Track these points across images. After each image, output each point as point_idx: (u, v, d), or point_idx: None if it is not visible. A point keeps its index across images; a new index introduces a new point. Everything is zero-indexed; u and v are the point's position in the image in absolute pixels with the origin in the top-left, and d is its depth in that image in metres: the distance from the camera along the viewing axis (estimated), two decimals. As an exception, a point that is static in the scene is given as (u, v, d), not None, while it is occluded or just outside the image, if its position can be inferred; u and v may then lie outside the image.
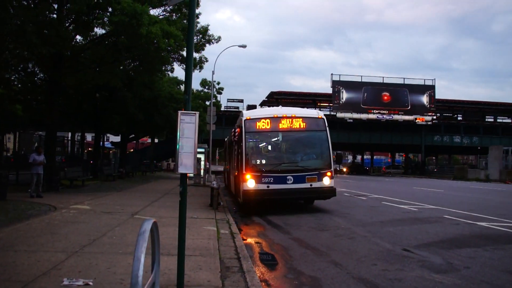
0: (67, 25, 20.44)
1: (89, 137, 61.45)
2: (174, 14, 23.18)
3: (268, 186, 14.47)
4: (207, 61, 27.80)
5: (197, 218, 12.52)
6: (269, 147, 16.15)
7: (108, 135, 63.53)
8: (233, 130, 17.57)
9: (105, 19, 19.87)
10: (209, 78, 36.31)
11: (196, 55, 26.33)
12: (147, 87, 33.09)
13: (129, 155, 56.38)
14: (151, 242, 3.90)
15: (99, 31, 23.13)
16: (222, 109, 61.89)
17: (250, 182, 14.43)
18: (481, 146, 67.34)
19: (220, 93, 54.24)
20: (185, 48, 22.99)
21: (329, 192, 15.22)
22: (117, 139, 60.29)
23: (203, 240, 9.27)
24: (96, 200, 16.24)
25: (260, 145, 15.93)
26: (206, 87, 48.31)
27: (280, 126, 15.40)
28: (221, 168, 76.34)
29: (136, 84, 30.60)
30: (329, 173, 15.08)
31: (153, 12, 22.00)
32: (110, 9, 19.49)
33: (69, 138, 48.52)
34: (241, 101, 69.70)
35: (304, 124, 15.55)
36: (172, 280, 5.81)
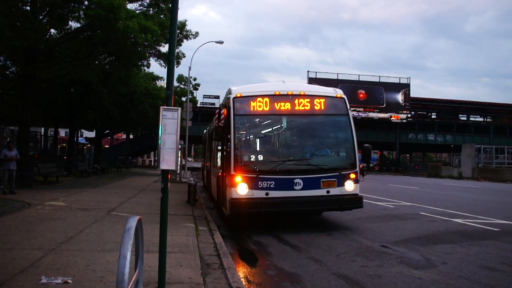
0: (41, 18, 20.01)
1: (62, 132, 60.45)
2: (151, 8, 22.92)
3: (267, 194, 10.31)
4: (184, 56, 27.60)
5: (174, 214, 12.41)
6: (268, 138, 12.12)
7: (83, 130, 62.59)
8: (216, 113, 11.93)
9: (81, 12, 19.54)
10: (185, 74, 36.15)
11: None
12: (123, 83, 32.76)
13: (104, 151, 55.62)
14: (135, 239, 3.83)
15: (74, 24, 22.76)
16: (198, 105, 61.62)
17: (241, 188, 10.28)
18: (454, 144, 68.57)
19: (197, 89, 54.03)
20: (162, 44, 22.93)
21: (353, 202, 11.03)
22: (91, 134, 59.48)
23: (182, 237, 9.19)
24: (71, 197, 15.96)
25: (255, 134, 11.90)
26: (183, 83, 48.03)
27: (284, 107, 11.17)
28: (196, 164, 76.12)
29: (112, 79, 30.23)
30: (352, 175, 10.90)
31: (130, 6, 21.77)
32: (86, 3, 19.20)
33: (42, 134, 47.61)
34: (217, 97, 69.32)
35: (318, 105, 11.33)
36: (152, 277, 5.74)
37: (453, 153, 71.42)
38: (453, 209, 15.32)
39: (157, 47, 23.54)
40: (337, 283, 6.54)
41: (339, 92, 11.70)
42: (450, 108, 77.27)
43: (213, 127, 16.51)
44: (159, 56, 25.13)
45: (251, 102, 11.05)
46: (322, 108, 11.36)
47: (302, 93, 11.30)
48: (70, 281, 5.62)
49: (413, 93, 72.83)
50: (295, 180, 10.49)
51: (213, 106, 64.33)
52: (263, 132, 12.03)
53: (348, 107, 11.51)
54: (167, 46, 24.24)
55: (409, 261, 7.87)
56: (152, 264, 6.20)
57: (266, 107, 11.07)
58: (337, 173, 10.81)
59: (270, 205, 10.40)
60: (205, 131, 26.51)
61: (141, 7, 23.05)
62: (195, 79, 50.37)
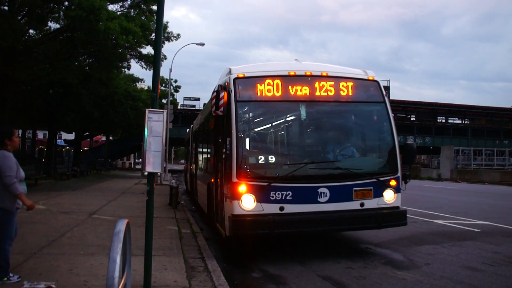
0: (19, 18, 19.74)
1: (40, 134, 59.68)
2: (132, 10, 22.79)
3: (282, 208, 7.72)
4: (166, 58, 27.58)
5: (157, 217, 12.30)
6: (282, 132, 9.27)
7: (62, 132, 61.85)
8: (213, 98, 8.33)
9: (61, 13, 19.33)
10: (166, 76, 35.91)
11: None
12: (104, 84, 32.48)
13: (84, 153, 55.04)
14: (123, 243, 3.79)
15: (54, 25, 22.50)
16: (179, 107, 61.33)
17: (246, 200, 7.63)
18: (433, 146, 69.39)
19: (178, 91, 53.79)
20: (143, 45, 22.80)
21: (395, 218, 8.62)
22: (70, 136, 58.83)
23: (165, 239, 9.14)
24: (51, 200, 15.73)
25: (264, 128, 9.09)
26: (163, 85, 47.76)
27: (301, 92, 8.45)
28: (177, 167, 75.52)
29: (92, 80, 29.94)
30: (393, 182, 8.51)
31: (111, 7, 21.63)
32: (66, 3, 19.00)
33: (20, 136, 46.91)
34: (198, 99, 68.92)
35: (345, 89, 8.68)
36: (137, 280, 5.68)
37: (432, 155, 72.38)
38: (433, 210, 15.50)
39: (138, 49, 23.41)
40: (322, 285, 6.57)
41: (370, 74, 9.07)
42: (429, 111, 78.19)
43: (203, 121, 13.94)
44: (140, 57, 25.01)
45: (258, 85, 8.32)
46: (351, 93, 8.75)
47: (324, 73, 8.65)
48: (53, 285, 5.54)
49: (392, 96, 73.72)
50: (320, 190, 7.93)
51: (194, 108, 64.04)
52: (274, 124, 9.16)
53: (384, 92, 8.99)
54: (148, 47, 24.18)
55: (393, 262, 7.95)
56: (136, 267, 6.15)
57: (278, 92, 8.35)
58: (374, 180, 8.31)
59: (286, 224, 7.76)
60: (188, 130, 23.54)
61: (122, 9, 22.92)
62: (175, 81, 50.13)
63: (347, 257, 8.33)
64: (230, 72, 8.52)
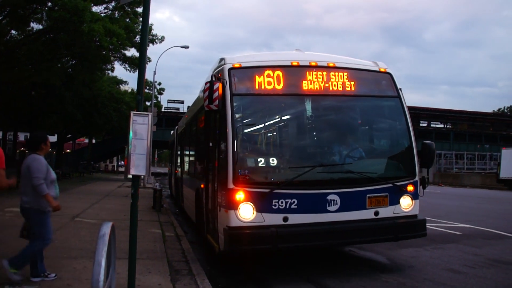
0: (1, 18, 19.51)
1: (22, 136, 58.92)
2: (117, 12, 22.67)
3: (285, 219, 6.74)
4: (150, 61, 27.49)
5: (141, 220, 12.21)
6: (285, 131, 8.11)
7: (44, 134, 61.18)
8: (206, 90, 7.08)
9: (44, 14, 19.15)
10: (150, 78, 35.77)
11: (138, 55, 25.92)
12: (87, 86, 32.24)
13: (66, 156, 54.46)
14: (108, 246, 3.77)
15: (36, 26, 22.27)
16: (163, 110, 61.06)
17: (244, 210, 6.63)
18: (416, 150, 70.04)
19: (161, 94, 53.73)
20: (127, 47, 22.69)
21: (413, 228, 7.62)
22: (53, 139, 58.06)
23: (149, 243, 9.10)
24: (33, 203, 15.50)
25: (264, 126, 7.86)
26: (147, 87, 47.57)
27: (306, 85, 7.47)
28: (160, 170, 75.12)
29: (75, 82, 29.71)
30: (410, 187, 7.55)
31: (95, 9, 21.49)
32: (49, 4, 18.80)
33: (1, 137, 46.29)
34: (182, 102, 68.58)
35: (355, 82, 7.71)
36: (121, 284, 5.64)
37: (414, 158, 72.85)
38: (416, 214, 15.62)
39: (123, 51, 23.28)
40: (306, 287, 6.60)
41: (382, 65, 8.14)
42: (412, 115, 78.32)
43: (186, 124, 13.19)
44: (124, 60, 24.88)
45: (256, 76, 7.29)
46: (362, 87, 7.90)
47: (331, 64, 7.69)
48: (36, 289, 5.48)
49: (376, 100, 74.06)
50: (329, 197, 6.96)
51: (178, 111, 63.77)
52: (275, 122, 8.06)
53: (398, 86, 8.08)
54: (132, 50, 24.08)
55: (377, 265, 8.03)
56: (120, 270, 6.10)
57: (279, 85, 7.32)
58: (390, 185, 7.34)
59: (292, 238, 6.75)
60: (172, 132, 22.34)
61: (106, 10, 22.82)
62: (159, 84, 49.99)
63: (330, 260, 8.38)
64: (224, 62, 7.44)
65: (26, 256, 5.91)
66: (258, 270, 7.60)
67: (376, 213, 7.20)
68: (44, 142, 6.52)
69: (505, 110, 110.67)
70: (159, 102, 54.70)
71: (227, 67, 7.25)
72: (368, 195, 7.17)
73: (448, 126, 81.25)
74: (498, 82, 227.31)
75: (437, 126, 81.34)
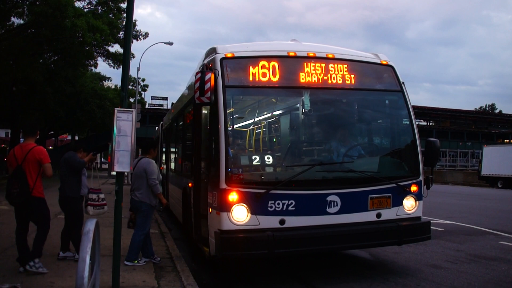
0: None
1: (2, 133, 58.21)
2: (100, 7, 22.46)
3: (282, 222, 6.28)
4: (134, 57, 27.28)
5: (124, 217, 12.13)
6: (281, 127, 7.97)
7: (25, 131, 60.48)
8: (197, 80, 6.32)
9: (25, 8, 18.90)
10: (133, 75, 35.55)
11: (122, 50, 25.74)
12: (70, 82, 31.86)
13: (48, 153, 53.87)
14: (92, 242, 3.75)
15: (17, 21, 21.96)
16: (147, 106, 60.74)
17: (238, 212, 6.13)
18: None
19: (145, 90, 53.45)
20: (111, 43, 22.51)
21: (418, 231, 7.15)
22: (34, 135, 57.41)
23: (133, 240, 9.02)
24: (15, 200, 15.30)
25: (259, 121, 7.95)
26: (131, 83, 47.28)
27: (304, 77, 6.95)
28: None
29: (58, 78, 29.35)
30: (414, 187, 7.10)
31: (78, 4, 21.29)
32: (31, -2, 18.57)
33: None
34: (166, 98, 68.26)
35: (356, 75, 7.23)
36: (105, 281, 5.61)
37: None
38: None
39: (106, 47, 23.11)
40: (292, 286, 6.63)
41: (383, 58, 7.65)
42: (394, 113, 79.63)
43: (172, 119, 12.75)
44: (108, 56, 24.68)
45: (251, 67, 6.73)
46: (363, 80, 7.46)
47: (330, 55, 7.16)
48: (19, 286, 5.43)
49: (360, 97, 74.53)
50: (329, 198, 6.50)
51: (162, 108, 63.47)
52: (271, 117, 7.92)
53: (401, 80, 7.57)
54: (116, 46, 23.88)
55: (360, 261, 8.11)
56: (104, 267, 6.07)
57: (275, 77, 6.78)
58: (393, 185, 6.91)
59: (289, 242, 6.26)
60: (157, 128, 20.88)
61: (89, 6, 22.58)
62: (143, 80, 49.73)
63: (313, 256, 8.42)
64: (215, 51, 6.84)
65: (134, 246, 7.18)
66: (245, 267, 7.61)
67: (378, 215, 6.79)
68: (153, 148, 7.99)
69: (487, 108, 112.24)
70: (143, 99, 54.42)
71: (219, 56, 6.66)
72: (370, 195, 6.74)
73: (431, 124, 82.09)
74: (479, 81, 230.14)
75: (420, 123, 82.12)
